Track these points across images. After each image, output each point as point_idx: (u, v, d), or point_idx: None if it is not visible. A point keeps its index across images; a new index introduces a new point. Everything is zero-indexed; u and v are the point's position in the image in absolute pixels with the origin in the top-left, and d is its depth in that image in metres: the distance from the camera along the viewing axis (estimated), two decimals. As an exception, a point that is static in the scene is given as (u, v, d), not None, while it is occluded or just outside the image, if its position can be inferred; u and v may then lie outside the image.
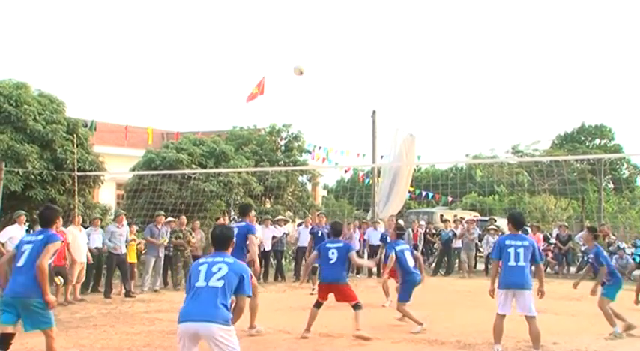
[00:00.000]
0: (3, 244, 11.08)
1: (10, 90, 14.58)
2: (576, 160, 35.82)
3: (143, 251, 14.07)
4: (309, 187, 25.11)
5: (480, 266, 19.02)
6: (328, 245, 8.85)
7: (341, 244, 8.82)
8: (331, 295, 8.85)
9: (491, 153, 40.87)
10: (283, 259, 17.59)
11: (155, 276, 14.11)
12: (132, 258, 13.42)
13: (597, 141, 46.38)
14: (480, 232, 19.39)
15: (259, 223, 16.76)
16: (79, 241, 12.35)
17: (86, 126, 17.31)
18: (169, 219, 14.70)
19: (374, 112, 21.29)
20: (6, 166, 12.84)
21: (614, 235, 19.97)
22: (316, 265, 10.04)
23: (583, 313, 10.87)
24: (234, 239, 8.38)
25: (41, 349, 8.03)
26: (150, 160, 19.33)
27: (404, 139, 19.41)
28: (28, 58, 65.45)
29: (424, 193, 29.47)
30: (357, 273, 17.65)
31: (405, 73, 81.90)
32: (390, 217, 15.34)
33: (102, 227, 13.46)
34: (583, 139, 46.35)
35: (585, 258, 18.59)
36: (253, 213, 9.74)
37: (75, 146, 14.52)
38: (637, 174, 44.44)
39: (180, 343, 4.98)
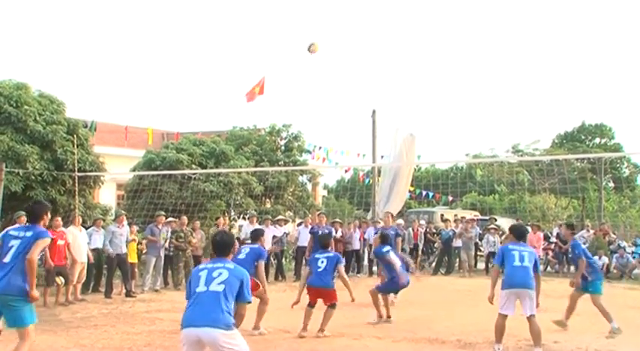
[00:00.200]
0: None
1: (10, 91, 14.59)
2: (577, 159, 35.84)
3: (144, 251, 14.08)
4: (309, 186, 25.11)
5: (481, 265, 19.02)
6: (317, 256, 9.16)
7: (331, 255, 9.16)
8: None
9: (492, 152, 40.87)
10: (283, 259, 17.60)
11: (156, 276, 14.11)
12: (132, 258, 13.43)
13: (597, 140, 46.37)
14: (481, 232, 19.39)
15: (259, 223, 16.79)
16: (80, 241, 12.36)
17: (86, 126, 17.33)
18: (170, 219, 14.72)
19: (374, 111, 21.27)
20: (6, 167, 12.85)
21: (614, 233, 19.99)
22: None
23: (584, 312, 10.82)
24: (245, 257, 8.54)
25: (42, 348, 8.08)
26: (150, 161, 19.34)
27: (404, 138, 19.44)
28: (28, 58, 65.54)
29: (424, 193, 29.47)
30: (358, 272, 17.66)
31: (405, 72, 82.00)
32: (386, 213, 15.33)
33: (103, 227, 13.46)
34: (583, 137, 46.33)
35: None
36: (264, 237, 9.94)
37: (75, 147, 14.52)
38: (637, 173, 44.43)
39: (183, 349, 4.91)
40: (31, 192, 13.85)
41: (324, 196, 35.98)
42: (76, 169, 14.39)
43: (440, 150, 74.53)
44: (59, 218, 12.22)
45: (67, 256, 11.93)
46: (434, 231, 20.06)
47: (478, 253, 19.30)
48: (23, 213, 12.07)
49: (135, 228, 14.06)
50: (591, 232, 19.27)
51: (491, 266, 17.50)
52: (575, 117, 77.29)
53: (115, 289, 13.20)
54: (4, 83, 14.95)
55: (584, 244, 18.92)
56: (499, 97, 79.95)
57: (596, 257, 17.76)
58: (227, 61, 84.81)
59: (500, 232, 19.17)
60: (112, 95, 67.16)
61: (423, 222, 20.42)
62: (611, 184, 43.53)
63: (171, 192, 18.15)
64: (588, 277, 9.28)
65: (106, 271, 13.35)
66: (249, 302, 5.18)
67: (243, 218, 19.50)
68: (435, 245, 19.58)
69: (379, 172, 20.74)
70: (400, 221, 19.24)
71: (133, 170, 19.82)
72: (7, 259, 5.98)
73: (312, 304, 8.97)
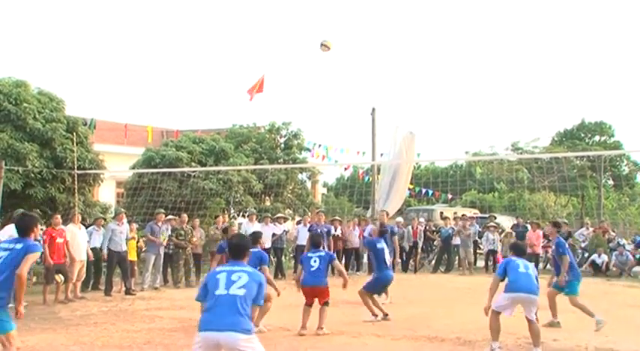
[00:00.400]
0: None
1: (9, 88, 14.57)
2: (576, 157, 35.86)
3: (143, 249, 14.08)
4: (308, 184, 25.12)
5: (480, 263, 19.04)
6: (310, 255, 9.22)
7: (323, 254, 9.23)
8: None
9: (491, 150, 40.93)
10: (283, 257, 17.60)
11: (155, 274, 14.11)
12: (132, 256, 13.43)
13: (597, 138, 46.43)
14: (480, 229, 19.41)
15: (259, 221, 16.80)
16: (79, 240, 12.35)
17: (86, 124, 17.31)
18: (169, 217, 14.71)
19: (373, 109, 21.23)
20: (6, 165, 12.85)
21: (613, 231, 19.98)
22: None
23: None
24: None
25: (42, 346, 8.09)
26: (149, 158, 19.33)
27: (404, 136, 19.40)
28: (28, 56, 65.49)
29: (424, 191, 29.43)
30: (357, 270, 17.68)
31: (405, 70, 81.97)
32: (381, 212, 15.34)
33: (103, 226, 13.45)
34: (583, 135, 46.40)
35: (585, 255, 18.65)
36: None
37: (75, 144, 14.51)
38: (637, 170, 44.49)
39: (197, 350, 4.90)
40: (31, 190, 13.85)
41: (323, 194, 35.97)
42: (76, 166, 14.38)
43: (439, 148, 74.40)
44: (59, 216, 12.24)
45: (66, 254, 11.93)
46: (433, 229, 20.06)
47: (478, 250, 19.31)
48: (23, 211, 12.11)
49: (134, 226, 14.06)
50: (591, 229, 19.28)
51: (491, 265, 17.60)
52: (575, 115, 77.42)
53: (115, 286, 13.20)
54: (4, 81, 14.93)
55: (584, 241, 19.04)
56: (499, 94, 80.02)
57: (595, 255, 17.84)
58: (227, 58, 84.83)
59: (500, 230, 19.19)
60: (112, 93, 67.16)
61: (422, 220, 20.41)
62: (611, 182, 43.59)
63: (170, 190, 18.15)
64: (566, 277, 9.31)
65: (105, 268, 13.37)
66: (261, 306, 5.27)
67: (243, 216, 19.52)
68: (435, 243, 19.60)
69: (379, 170, 20.71)
70: (400, 219, 19.27)
71: (133, 168, 19.81)
72: None
73: (309, 304, 9.04)
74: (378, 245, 10.37)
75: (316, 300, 9.01)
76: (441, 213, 24.21)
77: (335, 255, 9.82)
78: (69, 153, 14.52)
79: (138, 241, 13.83)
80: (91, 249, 12.76)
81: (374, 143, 21.59)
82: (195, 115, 73.18)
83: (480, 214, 24.16)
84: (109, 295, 12.73)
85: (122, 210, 14.62)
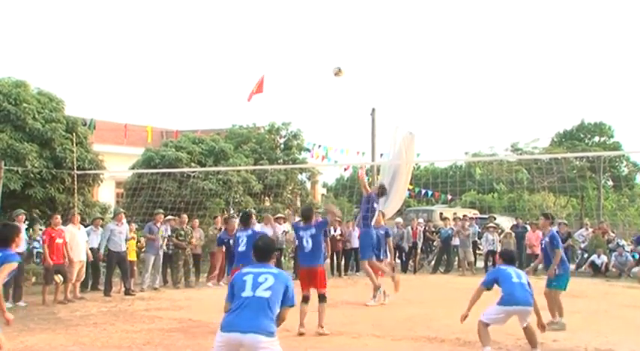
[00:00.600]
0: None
1: (9, 88, 14.57)
2: (576, 158, 35.93)
3: (143, 249, 14.07)
4: (308, 185, 25.12)
5: (480, 264, 19.03)
6: (301, 233, 9.10)
7: (313, 231, 9.01)
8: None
9: (491, 151, 40.98)
10: (283, 257, 17.58)
11: (155, 274, 14.10)
12: (132, 256, 13.42)
13: (597, 138, 46.45)
14: (480, 230, 19.41)
15: (259, 221, 16.78)
16: (78, 240, 12.33)
17: (85, 124, 17.31)
18: (169, 217, 14.71)
19: (373, 109, 21.26)
20: (5, 165, 12.84)
21: (613, 232, 19.97)
22: None
23: (583, 311, 10.86)
24: (245, 248, 8.50)
25: (41, 346, 8.08)
26: (149, 159, 19.33)
27: (403, 136, 19.34)
28: (27, 56, 65.45)
29: (424, 191, 29.43)
30: (357, 271, 17.66)
31: (405, 70, 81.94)
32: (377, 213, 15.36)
33: (101, 226, 13.44)
34: (582, 136, 46.41)
35: (585, 255, 18.65)
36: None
37: (74, 145, 14.51)
38: (636, 171, 44.52)
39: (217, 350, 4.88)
40: (30, 190, 13.85)
41: (323, 195, 35.97)
42: (75, 167, 14.37)
43: (439, 148, 74.38)
44: (58, 216, 12.22)
45: (65, 254, 11.91)
46: (433, 229, 20.06)
47: (477, 251, 19.31)
48: (22, 211, 12.14)
49: (134, 226, 14.06)
50: (590, 230, 19.27)
51: (491, 266, 17.57)
52: (575, 115, 76.96)
53: (114, 287, 13.19)
54: (3, 81, 14.94)
55: (583, 242, 19.04)
56: (498, 95, 79.99)
57: (594, 256, 17.84)
58: (226, 59, 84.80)
59: (499, 231, 19.19)
60: (112, 93, 67.10)
61: (422, 220, 20.42)
62: (610, 183, 43.61)
63: (170, 190, 18.15)
64: (556, 270, 9.29)
65: (104, 269, 13.36)
66: (293, 306, 5.19)
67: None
68: (434, 244, 19.60)
69: (378, 170, 20.70)
70: (399, 219, 19.26)
71: (132, 168, 19.81)
72: None
73: (305, 300, 8.87)
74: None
75: (313, 297, 8.90)
76: (441, 213, 24.21)
77: (325, 221, 9.50)
78: (68, 153, 14.52)
79: (138, 241, 13.82)
80: (89, 249, 12.76)
81: (374, 144, 21.62)
82: (195, 115, 73.18)
83: (479, 215, 24.15)
84: (109, 295, 12.71)
85: (121, 210, 14.60)
